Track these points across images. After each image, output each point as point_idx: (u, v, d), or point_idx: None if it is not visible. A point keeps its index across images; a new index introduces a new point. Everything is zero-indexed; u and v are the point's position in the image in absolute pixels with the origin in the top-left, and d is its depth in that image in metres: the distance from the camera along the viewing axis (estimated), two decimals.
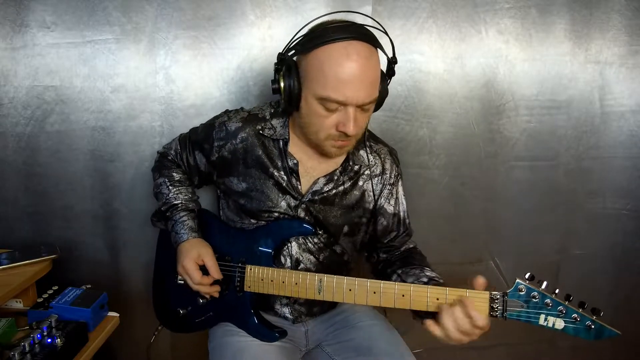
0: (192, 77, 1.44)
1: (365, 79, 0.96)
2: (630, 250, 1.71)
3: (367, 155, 1.17)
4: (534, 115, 1.58)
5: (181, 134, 1.30)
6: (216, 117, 1.20)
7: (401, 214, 1.23)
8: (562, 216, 1.66)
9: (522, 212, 1.66)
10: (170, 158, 1.27)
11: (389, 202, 1.21)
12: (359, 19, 1.09)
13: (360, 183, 1.17)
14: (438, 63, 1.51)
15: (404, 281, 1.12)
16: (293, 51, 1.03)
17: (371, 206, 1.18)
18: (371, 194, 1.18)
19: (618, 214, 1.67)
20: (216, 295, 1.15)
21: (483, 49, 1.51)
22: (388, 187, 1.20)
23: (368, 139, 1.19)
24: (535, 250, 1.70)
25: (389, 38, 1.07)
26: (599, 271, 1.73)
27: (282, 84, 1.01)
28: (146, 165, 1.48)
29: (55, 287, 1.36)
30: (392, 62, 1.07)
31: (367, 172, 1.17)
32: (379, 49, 1.01)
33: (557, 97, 1.57)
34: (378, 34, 1.03)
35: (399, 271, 1.16)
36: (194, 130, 1.25)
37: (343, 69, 0.93)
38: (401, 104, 1.54)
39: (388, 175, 1.20)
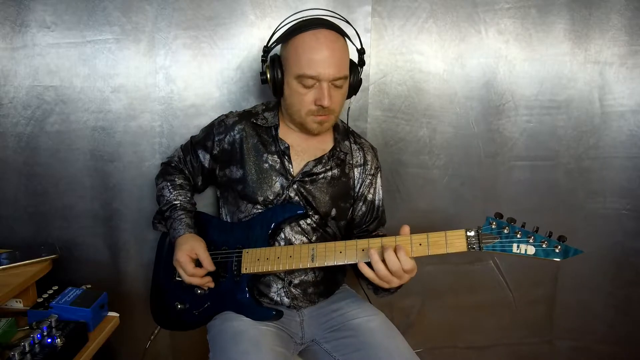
0: (192, 77, 1.45)
1: (333, 57, 1.12)
2: (630, 250, 1.70)
3: (351, 145, 1.30)
4: (534, 115, 1.58)
5: (182, 144, 1.37)
6: (214, 120, 1.33)
7: (377, 201, 1.34)
8: (562, 216, 1.65)
9: (522, 212, 1.65)
10: (173, 165, 1.36)
11: (369, 190, 1.32)
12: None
13: (347, 172, 1.29)
14: (438, 63, 1.52)
15: None
16: (275, 43, 1.21)
17: (354, 193, 1.30)
18: (355, 182, 1.30)
19: (618, 214, 1.67)
20: (211, 285, 1.20)
21: (483, 49, 1.52)
22: (369, 177, 1.32)
23: (352, 133, 1.34)
24: None
25: (355, 30, 1.23)
26: (599, 271, 1.73)
27: (268, 75, 1.18)
28: (146, 165, 1.48)
29: (55, 287, 1.36)
30: (361, 52, 1.24)
31: (352, 161, 1.29)
32: (347, 39, 1.18)
33: (557, 97, 1.57)
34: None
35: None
36: (194, 136, 1.36)
37: (314, 50, 1.11)
38: (401, 104, 1.54)
39: (369, 167, 1.32)
